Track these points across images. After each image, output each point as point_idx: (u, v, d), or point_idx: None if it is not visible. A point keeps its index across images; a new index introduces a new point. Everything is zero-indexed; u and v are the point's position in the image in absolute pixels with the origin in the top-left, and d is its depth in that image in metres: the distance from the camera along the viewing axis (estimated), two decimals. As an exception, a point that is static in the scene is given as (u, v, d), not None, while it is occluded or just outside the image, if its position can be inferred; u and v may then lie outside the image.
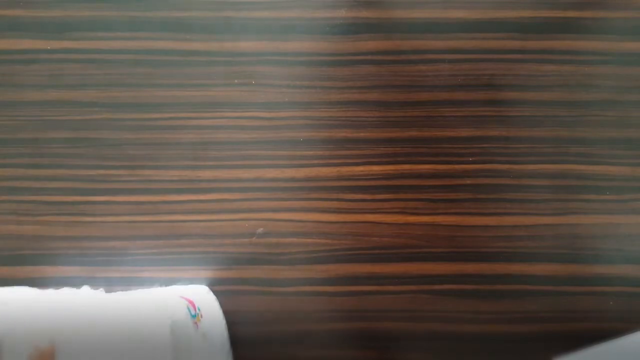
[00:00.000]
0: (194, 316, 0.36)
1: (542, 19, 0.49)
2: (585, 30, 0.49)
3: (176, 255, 0.43)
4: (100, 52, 0.47)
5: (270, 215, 0.43)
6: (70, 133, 0.44)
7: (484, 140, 0.44)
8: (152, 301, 0.35)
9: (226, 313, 0.42)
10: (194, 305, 0.37)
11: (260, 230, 0.43)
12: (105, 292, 0.34)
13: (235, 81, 0.45)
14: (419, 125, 0.45)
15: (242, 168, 0.44)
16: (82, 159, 0.44)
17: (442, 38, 0.48)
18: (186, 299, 0.37)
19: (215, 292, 0.42)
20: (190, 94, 0.45)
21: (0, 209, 0.41)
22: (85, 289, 0.34)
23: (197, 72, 0.45)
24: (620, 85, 0.46)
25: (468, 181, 0.43)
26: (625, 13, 0.49)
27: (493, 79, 0.47)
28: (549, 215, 0.41)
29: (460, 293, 0.39)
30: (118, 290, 0.39)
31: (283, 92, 0.45)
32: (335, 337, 0.42)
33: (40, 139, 0.43)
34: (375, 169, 0.43)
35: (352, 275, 0.42)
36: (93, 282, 0.42)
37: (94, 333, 0.31)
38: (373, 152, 0.43)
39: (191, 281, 0.43)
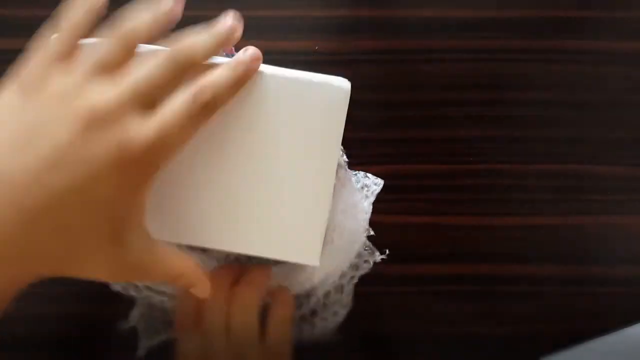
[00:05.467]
0: None
1: (543, 19, 0.49)
2: (586, 30, 0.49)
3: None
4: (100, 52, 0.47)
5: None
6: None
7: (484, 140, 0.44)
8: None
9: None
10: None
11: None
12: None
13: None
14: (419, 125, 0.45)
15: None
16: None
17: (442, 38, 0.48)
18: None
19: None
20: (190, 94, 0.45)
21: None
22: None
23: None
24: (621, 86, 0.46)
25: (468, 181, 0.43)
26: (626, 13, 0.49)
27: (493, 79, 0.47)
28: (549, 216, 0.41)
29: (460, 294, 0.39)
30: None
31: (283, 92, 0.45)
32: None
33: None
34: (375, 169, 0.43)
35: (352, 275, 0.42)
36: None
37: None
38: (373, 152, 0.43)
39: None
